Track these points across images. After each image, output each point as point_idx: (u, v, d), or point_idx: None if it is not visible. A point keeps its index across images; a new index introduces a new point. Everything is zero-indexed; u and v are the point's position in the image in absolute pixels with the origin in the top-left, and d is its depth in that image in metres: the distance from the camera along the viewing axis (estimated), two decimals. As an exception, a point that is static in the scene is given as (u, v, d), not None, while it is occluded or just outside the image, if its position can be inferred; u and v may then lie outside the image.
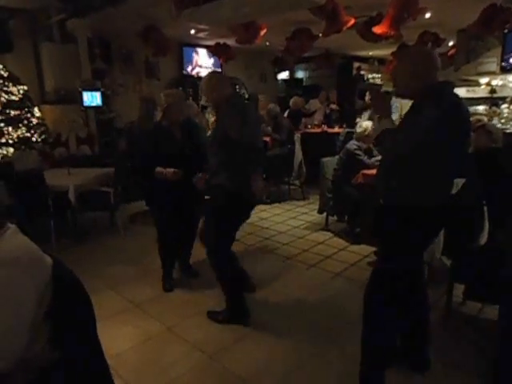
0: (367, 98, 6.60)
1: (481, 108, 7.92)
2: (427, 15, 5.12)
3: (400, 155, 1.69)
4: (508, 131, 5.90)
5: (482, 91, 7.88)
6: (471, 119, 5.36)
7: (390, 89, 2.01)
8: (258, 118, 2.67)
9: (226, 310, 2.60)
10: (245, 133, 2.29)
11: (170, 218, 2.96)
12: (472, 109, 8.06)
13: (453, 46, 7.04)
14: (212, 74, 2.64)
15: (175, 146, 2.85)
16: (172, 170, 2.77)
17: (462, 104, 1.71)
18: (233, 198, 2.36)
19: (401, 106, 6.85)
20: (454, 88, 1.82)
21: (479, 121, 4.33)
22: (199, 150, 2.91)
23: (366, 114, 6.41)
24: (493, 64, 6.81)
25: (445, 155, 1.66)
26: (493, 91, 7.65)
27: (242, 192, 2.38)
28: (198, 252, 3.64)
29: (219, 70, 8.45)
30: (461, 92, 8.24)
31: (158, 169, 2.78)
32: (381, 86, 8.76)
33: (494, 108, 7.52)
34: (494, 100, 7.70)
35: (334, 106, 7.90)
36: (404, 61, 1.81)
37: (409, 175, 1.72)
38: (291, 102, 7.00)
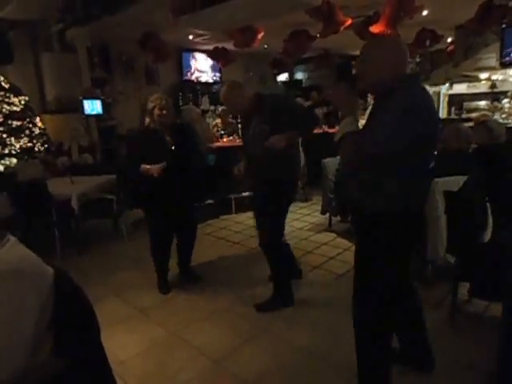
0: (369, 98, 6.58)
1: (482, 103, 7.90)
2: (424, 13, 5.13)
3: (366, 157, 1.52)
4: (510, 125, 5.87)
5: (482, 86, 7.85)
6: (475, 115, 5.27)
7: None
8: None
9: (274, 295, 2.77)
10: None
11: (163, 220, 2.96)
12: (474, 104, 8.04)
13: (451, 43, 7.04)
14: (230, 84, 2.68)
15: (164, 147, 2.85)
16: (156, 166, 2.73)
17: (429, 98, 1.61)
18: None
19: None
20: (418, 80, 1.70)
21: (485, 116, 4.31)
22: (192, 151, 3.00)
23: (368, 114, 6.40)
24: (492, 59, 6.78)
25: (414, 153, 1.51)
26: (493, 86, 7.62)
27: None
28: (200, 256, 3.66)
29: (217, 73, 8.51)
30: (462, 88, 8.21)
31: (143, 166, 2.77)
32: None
33: (495, 103, 7.49)
34: (495, 95, 7.67)
35: (325, 109, 7.85)
36: (376, 51, 1.60)
37: (376, 178, 1.58)
38: None
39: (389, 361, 1.80)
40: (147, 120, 2.94)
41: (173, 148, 2.88)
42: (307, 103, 7.82)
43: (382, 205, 1.60)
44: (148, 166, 2.75)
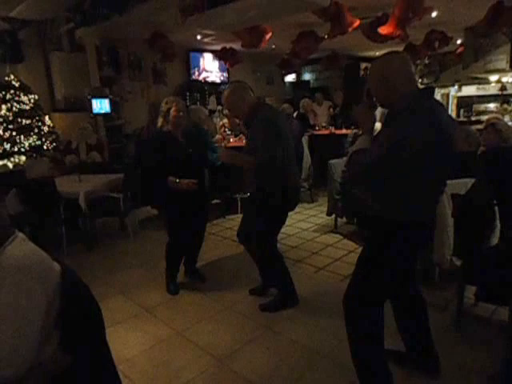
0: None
1: (492, 105, 7.83)
2: (434, 14, 5.09)
3: (366, 167, 1.63)
4: (519, 128, 5.80)
5: (492, 88, 7.79)
6: (487, 117, 5.17)
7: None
8: (289, 126, 2.72)
9: (278, 296, 2.78)
10: (277, 149, 2.42)
11: (183, 222, 2.97)
12: (483, 106, 7.97)
13: (461, 44, 6.98)
14: (234, 86, 2.61)
15: (179, 149, 2.88)
16: (187, 180, 2.79)
17: (437, 113, 1.58)
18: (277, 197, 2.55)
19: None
20: (432, 93, 1.70)
21: (496, 119, 4.26)
22: (203, 153, 3.04)
23: (377, 114, 6.36)
24: (502, 61, 6.71)
25: (415, 169, 1.54)
26: (503, 88, 7.55)
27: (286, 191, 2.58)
28: (206, 256, 3.67)
29: (225, 74, 8.53)
30: (471, 90, 8.15)
31: (171, 178, 2.79)
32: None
33: (504, 105, 7.42)
34: (504, 97, 7.60)
35: (331, 111, 7.86)
36: (374, 70, 1.70)
37: (377, 188, 1.67)
38: (301, 104, 6.98)
39: (385, 360, 1.80)
40: (160, 121, 2.92)
41: (190, 151, 2.90)
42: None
43: (382, 213, 1.66)
44: (178, 180, 2.78)
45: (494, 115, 5.02)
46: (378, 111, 6.46)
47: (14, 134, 5.05)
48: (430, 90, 1.72)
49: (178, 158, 2.84)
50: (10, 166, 4.98)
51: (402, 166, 1.52)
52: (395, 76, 1.59)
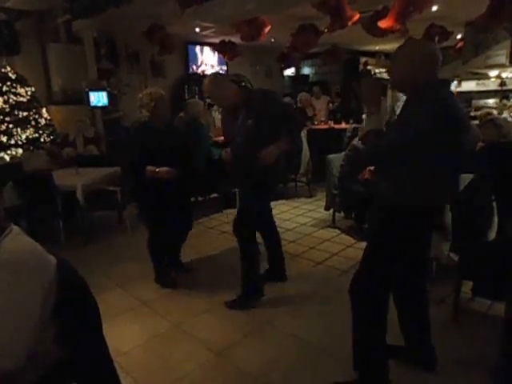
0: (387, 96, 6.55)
1: (491, 101, 7.81)
2: (434, 8, 5.05)
3: (380, 154, 1.67)
4: (518, 124, 5.78)
5: (492, 84, 7.76)
6: (480, 112, 5.20)
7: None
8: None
9: (242, 294, 2.73)
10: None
11: (163, 216, 2.91)
12: (482, 102, 7.95)
13: (461, 39, 6.94)
14: (212, 77, 2.68)
15: (164, 141, 2.80)
16: (165, 168, 2.74)
17: (452, 103, 1.61)
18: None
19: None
20: (447, 86, 1.74)
21: (488, 114, 4.27)
22: (188, 147, 3.05)
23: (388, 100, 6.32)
24: (502, 56, 6.67)
25: (429, 156, 1.57)
26: (503, 84, 7.53)
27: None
28: (204, 250, 3.67)
29: (224, 67, 8.47)
30: (470, 85, 8.12)
31: (150, 167, 2.74)
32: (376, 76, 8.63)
33: (504, 101, 7.41)
34: (504, 93, 7.59)
35: (330, 106, 7.84)
36: (402, 53, 1.72)
37: (391, 175, 1.70)
38: (298, 98, 6.96)
39: (384, 352, 1.83)
40: (146, 115, 2.82)
41: (168, 142, 2.84)
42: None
43: (388, 198, 1.70)
44: (154, 169, 2.73)
45: (486, 110, 5.03)
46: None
47: (10, 126, 5.01)
48: (445, 82, 1.75)
49: (162, 149, 2.77)
50: (7, 158, 4.94)
51: (415, 153, 1.55)
52: (414, 64, 1.62)
